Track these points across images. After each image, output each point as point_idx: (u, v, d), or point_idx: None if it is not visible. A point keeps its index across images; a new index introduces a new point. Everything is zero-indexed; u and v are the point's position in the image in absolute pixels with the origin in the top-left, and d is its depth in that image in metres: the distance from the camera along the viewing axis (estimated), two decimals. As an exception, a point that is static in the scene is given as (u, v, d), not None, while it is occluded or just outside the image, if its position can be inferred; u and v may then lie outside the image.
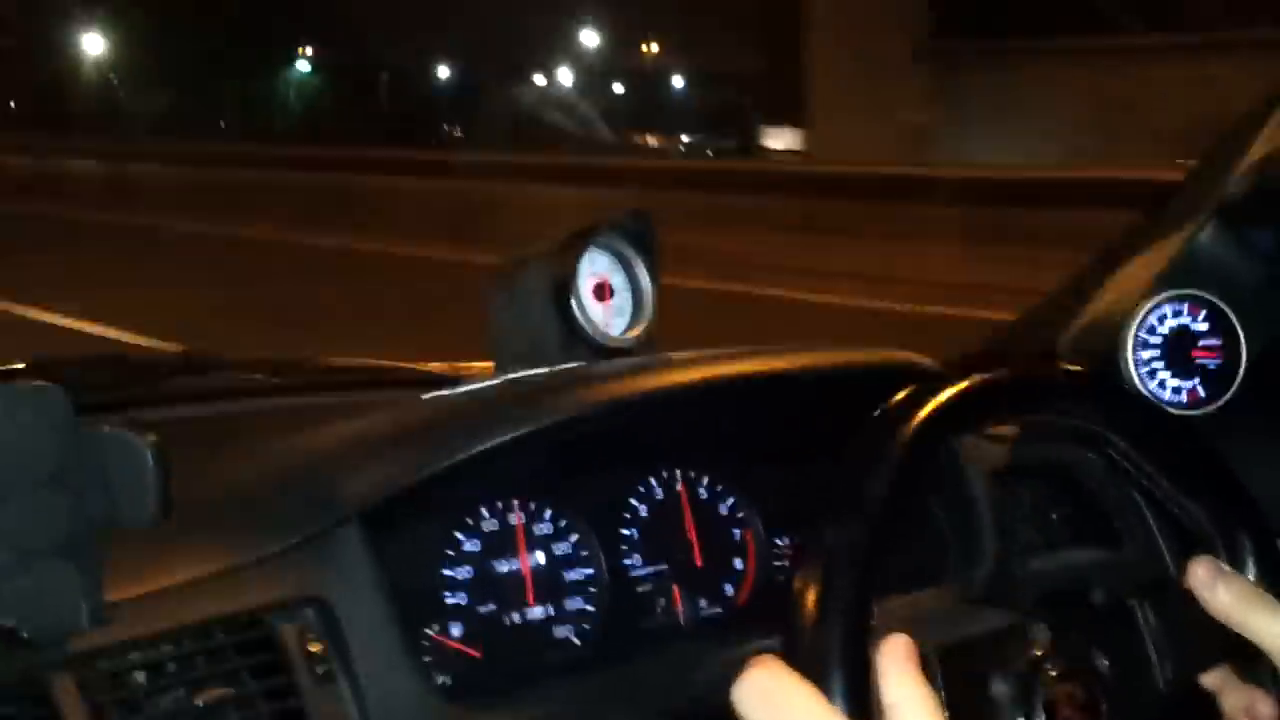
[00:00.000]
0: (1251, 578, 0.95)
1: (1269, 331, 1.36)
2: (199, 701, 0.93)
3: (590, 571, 1.24)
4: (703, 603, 1.29)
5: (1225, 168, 1.41)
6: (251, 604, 0.99)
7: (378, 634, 1.01)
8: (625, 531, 1.27)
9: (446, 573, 1.16)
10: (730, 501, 1.34)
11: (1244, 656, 0.94)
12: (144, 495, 0.89)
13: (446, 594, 1.15)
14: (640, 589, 1.26)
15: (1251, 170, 1.37)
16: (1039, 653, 0.91)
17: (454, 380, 1.21)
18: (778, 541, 1.34)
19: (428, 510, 1.15)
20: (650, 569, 1.27)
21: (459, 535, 1.17)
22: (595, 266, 1.32)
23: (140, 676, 0.93)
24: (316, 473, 1.09)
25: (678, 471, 1.31)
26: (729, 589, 1.31)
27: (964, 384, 0.92)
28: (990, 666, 0.90)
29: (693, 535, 1.31)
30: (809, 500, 0.85)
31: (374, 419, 1.17)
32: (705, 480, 1.33)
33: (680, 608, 1.27)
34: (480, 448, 1.09)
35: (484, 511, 1.19)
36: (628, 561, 1.26)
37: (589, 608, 1.22)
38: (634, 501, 1.28)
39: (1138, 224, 1.50)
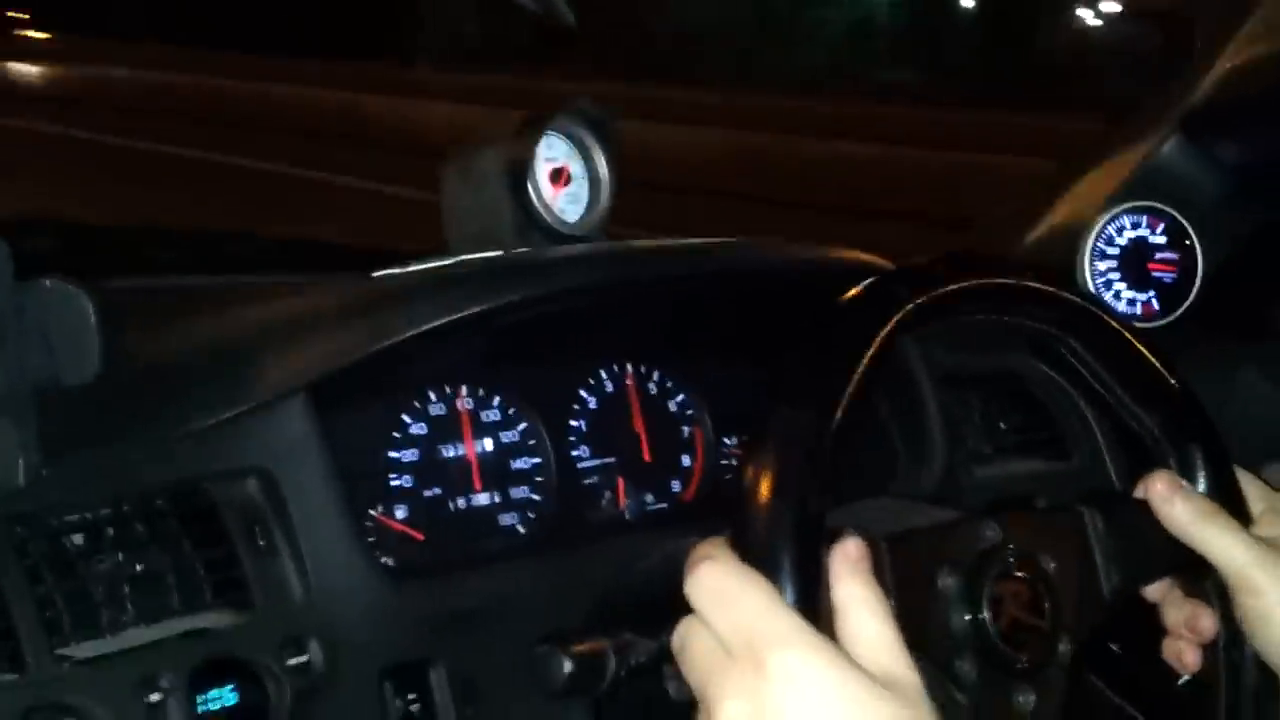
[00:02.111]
0: (1202, 490, 0.96)
1: (1226, 247, 1.36)
2: (137, 566, 0.91)
3: (537, 460, 1.23)
4: (648, 497, 1.28)
5: (1189, 82, 1.40)
6: (193, 472, 0.97)
7: (322, 509, 1.00)
8: (574, 423, 1.26)
9: (392, 455, 1.14)
10: (680, 398, 1.33)
11: (1190, 570, 0.95)
12: (85, 351, 0.87)
13: (392, 476, 1.14)
14: (587, 480, 1.25)
15: (1214, 85, 1.36)
16: (986, 549, 0.91)
17: (405, 260, 1.18)
18: (726, 440, 1.34)
19: (375, 391, 1.13)
20: (597, 461, 1.26)
21: (405, 418, 1.16)
22: (553, 152, 1.29)
23: (78, 539, 0.91)
24: (265, 344, 1.07)
25: (628, 365, 1.30)
26: (675, 485, 1.31)
27: (925, 281, 0.91)
28: (938, 559, 0.89)
29: (641, 429, 1.30)
30: (759, 399, 0.84)
31: (324, 294, 1.14)
32: (655, 375, 1.32)
33: (625, 501, 1.27)
34: (428, 325, 1.07)
35: (431, 395, 1.18)
36: (575, 452, 1.25)
37: (535, 496, 1.22)
38: (583, 393, 1.27)
39: (1100, 135, 1.50)
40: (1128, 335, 1.00)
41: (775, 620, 0.73)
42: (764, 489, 0.78)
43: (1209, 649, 0.96)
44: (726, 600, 0.74)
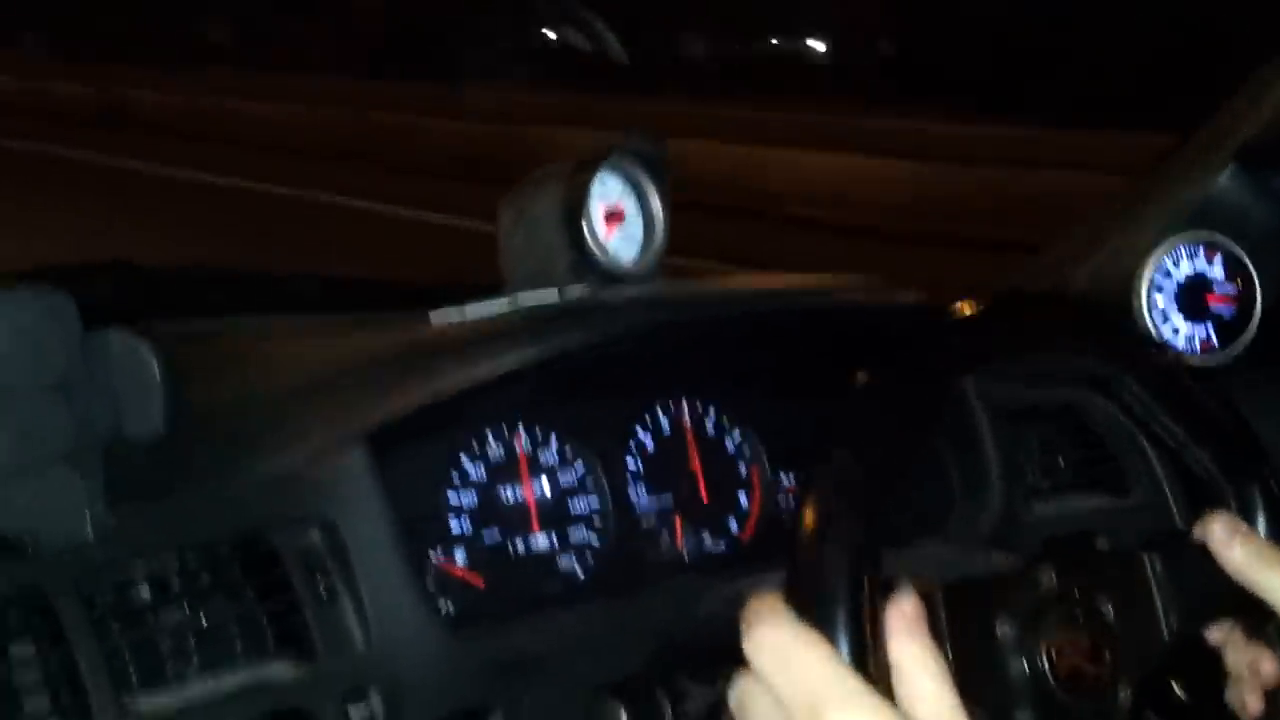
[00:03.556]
0: (1262, 531, 0.95)
1: (1286, 280, 1.35)
2: (201, 617, 0.93)
3: (595, 501, 1.23)
4: (706, 537, 1.28)
5: (1243, 112, 1.39)
6: (256, 521, 0.98)
7: (382, 557, 1.01)
8: (630, 462, 1.26)
9: (451, 498, 1.15)
10: (736, 436, 1.33)
11: (1251, 613, 0.94)
12: (151, 406, 0.89)
13: (451, 519, 1.14)
14: (644, 522, 1.25)
15: (1270, 116, 1.35)
16: (1044, 596, 0.91)
17: (461, 299, 1.19)
18: (783, 478, 1.33)
19: (433, 434, 1.14)
20: (655, 501, 1.26)
21: (464, 460, 1.16)
22: (607, 191, 1.30)
23: (144, 590, 0.92)
24: (324, 391, 1.08)
25: (684, 404, 1.30)
26: (733, 525, 1.30)
27: (977, 321, 0.91)
28: (995, 608, 0.89)
29: (698, 469, 1.30)
30: (815, 437, 0.84)
31: (382, 338, 1.15)
32: (712, 414, 1.32)
33: (683, 541, 1.27)
34: (487, 373, 1.08)
35: (489, 437, 1.18)
36: (632, 493, 1.25)
37: (593, 539, 1.22)
38: (640, 432, 1.27)
39: (1156, 166, 1.48)
40: (1184, 374, 0.99)
41: (835, 682, 0.73)
42: (819, 543, 0.78)
43: (1273, 693, 0.95)
44: (785, 660, 0.74)
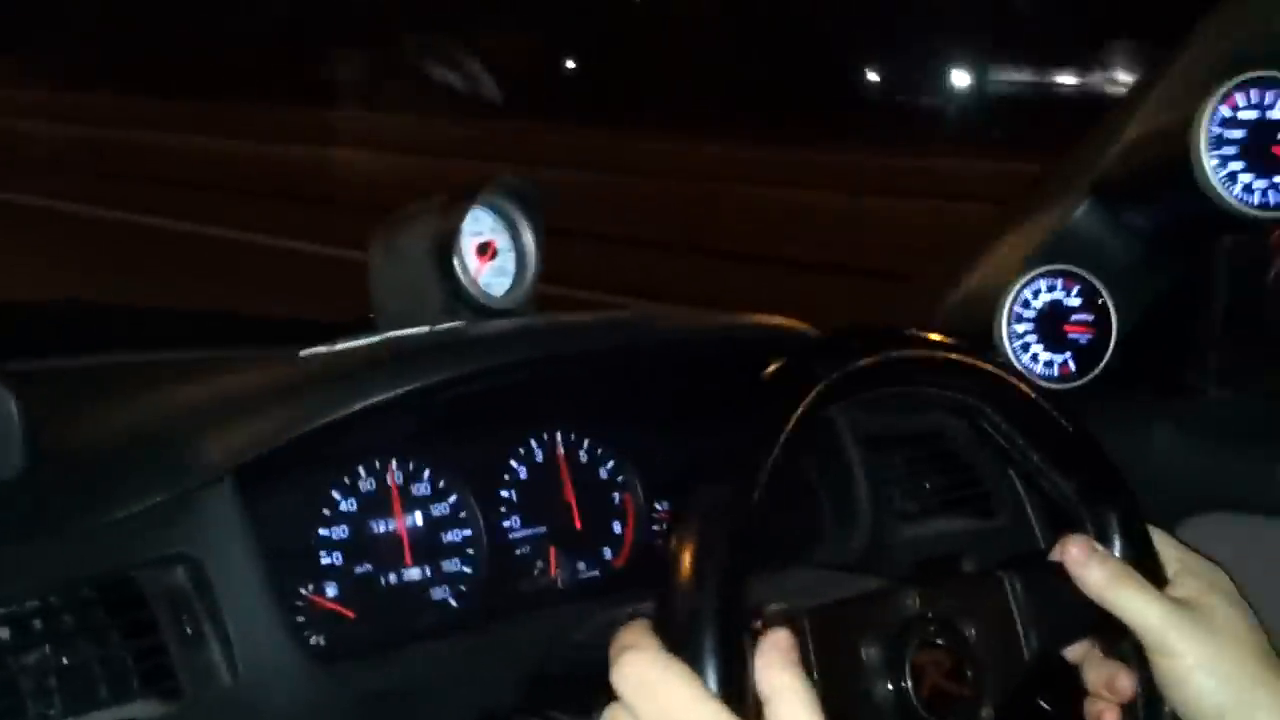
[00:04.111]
0: (1118, 554, 0.98)
1: (1139, 308, 1.39)
2: (64, 659, 0.91)
3: (468, 533, 1.23)
4: (580, 565, 1.29)
5: (1100, 148, 1.44)
6: (120, 561, 0.97)
7: (249, 593, 1.00)
8: (504, 493, 1.26)
9: (322, 532, 1.14)
10: (610, 465, 1.34)
11: (1108, 632, 0.97)
12: (7, 448, 0.87)
13: (322, 554, 1.14)
14: (518, 551, 1.26)
15: (1121, 153, 1.40)
16: (908, 618, 0.93)
17: (332, 337, 1.19)
18: (657, 506, 1.34)
19: (304, 469, 1.13)
20: (528, 531, 1.27)
21: (335, 495, 1.16)
22: (479, 226, 1.30)
23: (4, 633, 0.91)
24: (190, 428, 1.07)
25: (558, 434, 1.31)
26: (607, 552, 1.31)
27: (841, 354, 0.93)
28: (860, 630, 0.91)
29: (571, 498, 1.31)
30: (689, 465, 0.85)
31: (250, 374, 1.15)
32: (585, 443, 1.33)
33: (557, 570, 1.27)
34: (355, 408, 1.07)
35: (361, 471, 1.18)
36: (506, 523, 1.26)
37: (466, 569, 1.22)
38: (513, 463, 1.28)
39: (1016, 201, 1.53)
40: (1041, 402, 1.02)
41: (699, 711, 0.75)
42: (685, 575, 0.79)
43: (1129, 709, 0.98)
44: (650, 690, 0.76)
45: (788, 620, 0.84)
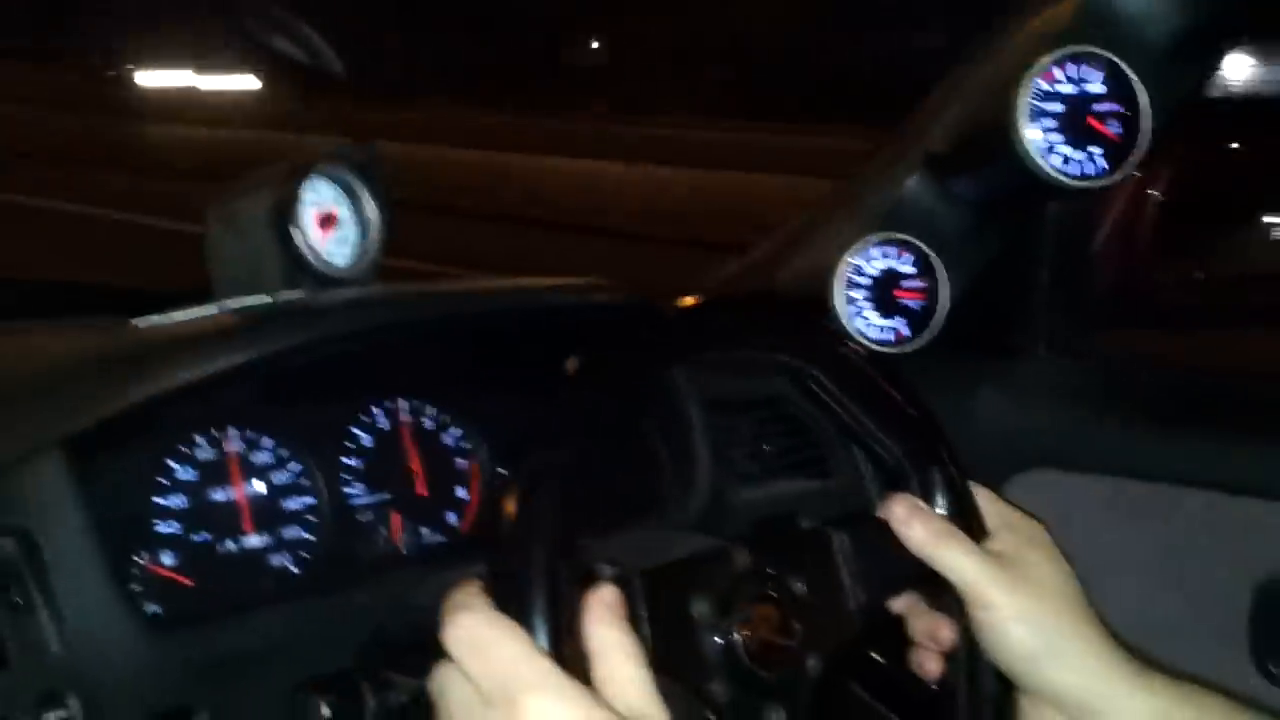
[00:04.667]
0: (941, 511, 1.02)
1: (969, 274, 1.44)
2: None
3: (310, 500, 1.23)
4: (425, 531, 1.30)
5: (930, 120, 1.47)
6: (-55, 533, 0.95)
7: (80, 563, 0.99)
8: (347, 460, 1.27)
9: (159, 501, 1.14)
10: (455, 432, 1.35)
11: (931, 585, 1.01)
12: None
13: (158, 522, 1.13)
14: (361, 518, 1.26)
15: (949, 126, 1.44)
16: (738, 575, 0.95)
17: (166, 305, 1.18)
18: (502, 471, 1.36)
19: (139, 438, 1.12)
20: (372, 498, 1.27)
21: (172, 463, 1.16)
22: (319, 196, 1.30)
23: None
24: (18, 398, 1.05)
25: (402, 401, 1.32)
26: (452, 518, 1.33)
27: (678, 318, 0.95)
28: (691, 588, 0.93)
29: (416, 465, 1.32)
30: (532, 431, 0.87)
31: (83, 343, 1.13)
32: (430, 410, 1.34)
33: (401, 536, 1.28)
34: (190, 378, 1.07)
35: (199, 439, 1.18)
36: (349, 490, 1.26)
37: (308, 536, 1.22)
38: (357, 431, 1.28)
39: (850, 177, 1.56)
40: (866, 365, 1.05)
41: (527, 667, 0.76)
42: (514, 535, 0.81)
43: (951, 658, 1.02)
44: (480, 648, 0.77)
45: (619, 579, 0.86)
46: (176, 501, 1.15)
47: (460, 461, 1.35)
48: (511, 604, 0.79)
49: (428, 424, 1.34)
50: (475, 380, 1.36)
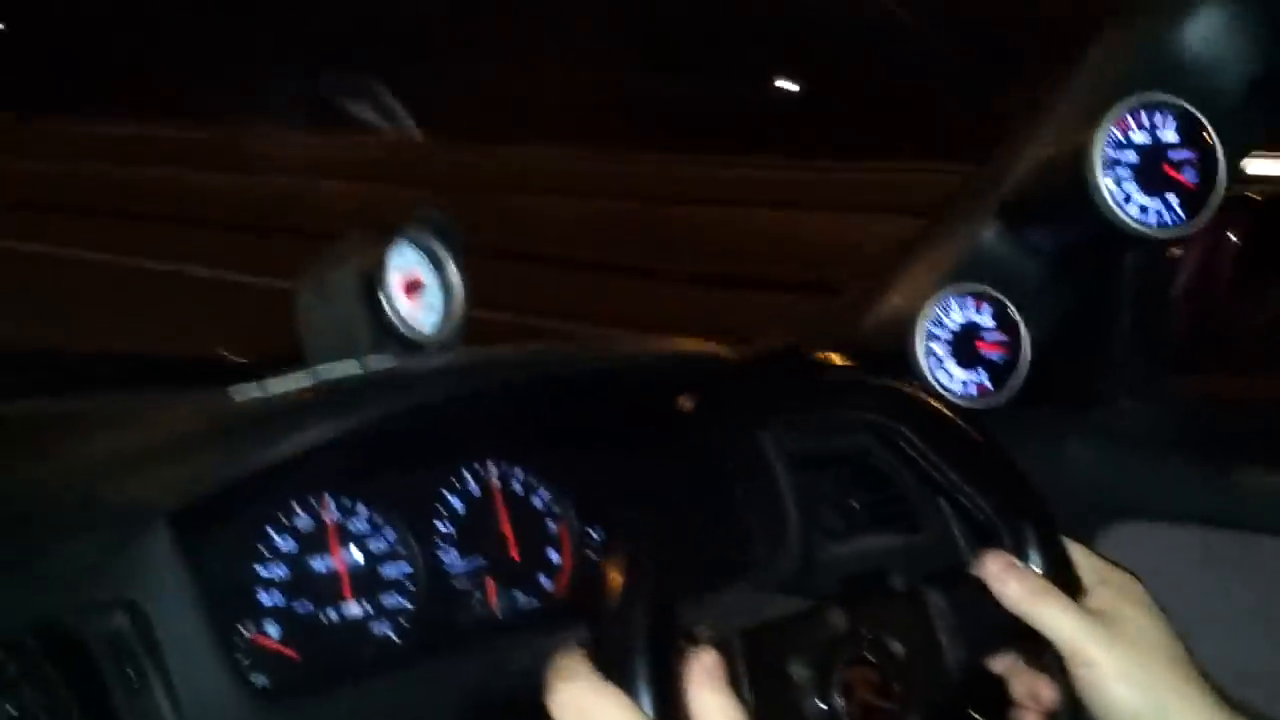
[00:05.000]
0: (1036, 568, 1.02)
1: (1050, 324, 1.43)
2: (8, 708, 0.92)
3: (407, 568, 1.25)
4: (519, 596, 1.31)
5: (1003, 169, 1.48)
6: (59, 608, 0.97)
7: (190, 636, 1.01)
8: (441, 527, 1.28)
9: (261, 572, 1.15)
10: (544, 494, 1.36)
11: (1030, 644, 1.01)
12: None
13: (261, 593, 1.15)
14: (457, 584, 1.27)
15: (1025, 175, 1.44)
16: (835, 636, 0.96)
17: (262, 375, 1.20)
18: (592, 533, 1.37)
19: (240, 509, 1.14)
20: (466, 564, 1.29)
21: (272, 534, 1.17)
22: (404, 262, 1.32)
23: (-53, 684, 0.92)
24: (124, 472, 1.08)
25: (491, 465, 1.33)
26: (545, 581, 1.33)
27: (760, 381, 0.96)
28: (790, 649, 0.94)
29: (507, 529, 1.33)
30: (619, 493, 0.88)
31: (184, 417, 1.16)
32: (519, 474, 1.35)
33: (496, 601, 1.29)
34: (291, 450, 1.09)
35: (297, 509, 1.20)
36: (444, 556, 1.27)
37: (406, 604, 1.24)
38: (449, 496, 1.30)
39: (930, 220, 1.56)
40: (955, 420, 1.06)
41: None
42: (616, 602, 0.82)
43: (1053, 716, 1.02)
44: (586, 716, 0.78)
45: (718, 641, 0.87)
46: (278, 572, 1.16)
47: (550, 524, 1.36)
48: (615, 671, 0.80)
49: (517, 487, 1.35)
50: (562, 442, 1.37)
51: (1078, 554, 1.05)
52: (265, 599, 1.15)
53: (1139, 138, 1.29)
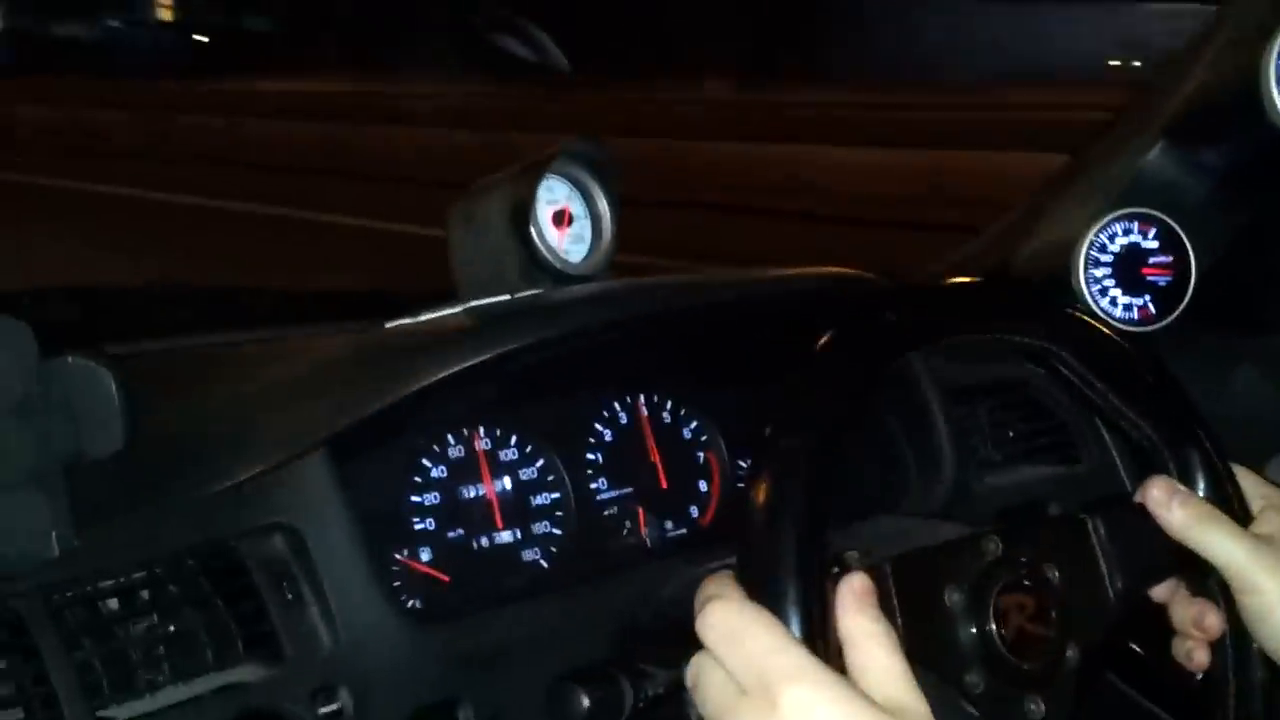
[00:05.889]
0: (1201, 492, 0.98)
1: (1216, 248, 1.38)
2: (170, 627, 0.95)
3: (556, 495, 1.26)
4: (668, 524, 1.31)
5: (1169, 90, 1.42)
6: (221, 531, 1.00)
7: (346, 559, 1.03)
8: (590, 456, 1.29)
9: (414, 499, 1.17)
10: (693, 424, 1.36)
11: (1194, 571, 0.97)
12: (109, 425, 0.91)
13: (414, 520, 1.17)
14: (606, 512, 1.28)
15: (1195, 91, 1.38)
16: (991, 563, 0.94)
17: (416, 308, 1.21)
18: (741, 463, 1.36)
19: (394, 437, 1.16)
20: (615, 492, 1.29)
21: (425, 462, 1.19)
22: (553, 194, 1.32)
23: (112, 603, 0.95)
24: (283, 401, 1.10)
25: (640, 395, 1.33)
26: (694, 510, 1.33)
27: (910, 301, 0.94)
28: (944, 575, 0.92)
29: (656, 458, 1.33)
30: (768, 422, 0.87)
31: (339, 348, 1.18)
32: (668, 404, 1.35)
33: (645, 529, 1.30)
34: (442, 375, 1.10)
35: (449, 438, 1.21)
36: (593, 485, 1.28)
37: (555, 531, 1.25)
38: (598, 426, 1.30)
39: (1088, 145, 1.52)
40: (1119, 343, 1.02)
41: (784, 656, 0.76)
42: (765, 525, 0.81)
43: (1217, 646, 0.98)
44: (736, 638, 0.78)
45: (869, 567, 0.86)
46: (431, 499, 1.18)
47: (699, 454, 1.35)
48: (764, 593, 0.80)
49: (666, 417, 1.35)
50: (711, 372, 1.37)
51: (1245, 480, 1.01)
52: (418, 524, 1.17)
53: (1317, 49, 1.23)
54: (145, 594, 0.96)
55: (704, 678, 0.80)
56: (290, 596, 1.00)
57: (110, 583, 0.95)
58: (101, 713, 0.90)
